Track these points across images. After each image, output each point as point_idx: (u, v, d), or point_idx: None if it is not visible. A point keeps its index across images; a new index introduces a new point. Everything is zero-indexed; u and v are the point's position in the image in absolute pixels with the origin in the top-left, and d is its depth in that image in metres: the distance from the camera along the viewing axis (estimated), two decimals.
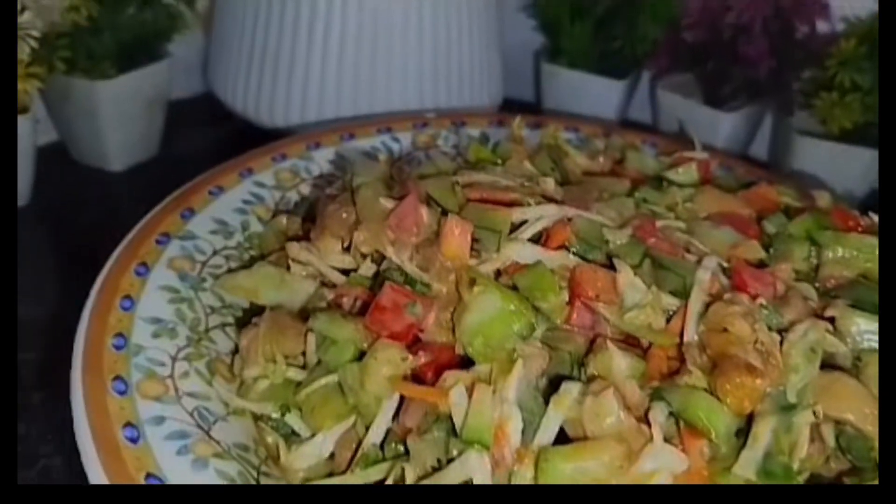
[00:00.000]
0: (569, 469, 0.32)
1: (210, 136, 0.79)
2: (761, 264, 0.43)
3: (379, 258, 0.42)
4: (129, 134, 0.70)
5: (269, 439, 0.39)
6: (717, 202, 0.48)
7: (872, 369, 0.37)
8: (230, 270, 0.47)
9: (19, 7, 0.56)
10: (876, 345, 0.38)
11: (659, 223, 0.45)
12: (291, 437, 0.40)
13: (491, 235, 0.40)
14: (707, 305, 0.38)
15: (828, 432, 0.37)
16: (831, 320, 0.40)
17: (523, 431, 0.34)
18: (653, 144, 0.65)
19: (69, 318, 0.40)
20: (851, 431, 0.36)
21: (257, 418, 0.40)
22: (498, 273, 0.40)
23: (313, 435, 0.39)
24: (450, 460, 0.33)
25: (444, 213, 0.41)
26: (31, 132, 0.61)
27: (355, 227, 0.42)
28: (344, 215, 0.43)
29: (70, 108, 0.67)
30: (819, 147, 0.69)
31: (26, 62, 0.57)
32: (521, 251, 0.40)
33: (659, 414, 0.34)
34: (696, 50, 0.73)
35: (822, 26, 0.71)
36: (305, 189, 0.56)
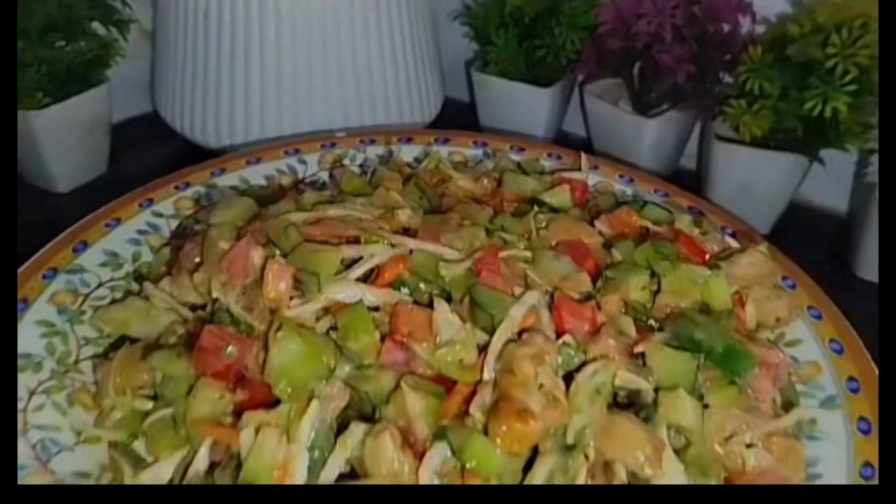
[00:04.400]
0: None
1: (157, 154, 0.82)
2: (589, 297, 0.44)
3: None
4: (72, 157, 0.74)
5: (119, 464, 0.43)
6: (568, 229, 0.50)
7: (663, 409, 0.39)
8: (112, 302, 0.51)
9: None
10: (676, 383, 0.40)
11: (504, 253, 0.47)
12: (139, 462, 0.43)
13: (311, 277, 0.42)
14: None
15: (619, 468, 0.38)
16: (642, 355, 0.41)
17: (312, 469, 0.37)
18: (557, 157, 0.66)
19: None
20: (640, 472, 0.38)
21: (112, 445, 0.44)
22: (326, 312, 0.43)
23: (154, 461, 0.42)
24: None
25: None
26: None
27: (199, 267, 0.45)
28: (194, 255, 0.46)
29: None
30: (736, 152, 0.69)
31: None
32: (343, 290, 0.42)
33: (435, 455, 0.36)
34: (619, 56, 0.73)
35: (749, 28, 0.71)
36: (204, 216, 0.59)
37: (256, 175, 0.62)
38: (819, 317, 0.50)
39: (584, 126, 0.82)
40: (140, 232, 0.56)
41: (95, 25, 0.73)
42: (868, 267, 0.67)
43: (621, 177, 0.63)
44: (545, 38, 0.75)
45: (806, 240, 0.71)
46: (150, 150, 0.83)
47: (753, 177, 0.69)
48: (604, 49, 0.73)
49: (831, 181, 0.72)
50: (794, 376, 0.46)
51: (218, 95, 0.73)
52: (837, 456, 0.41)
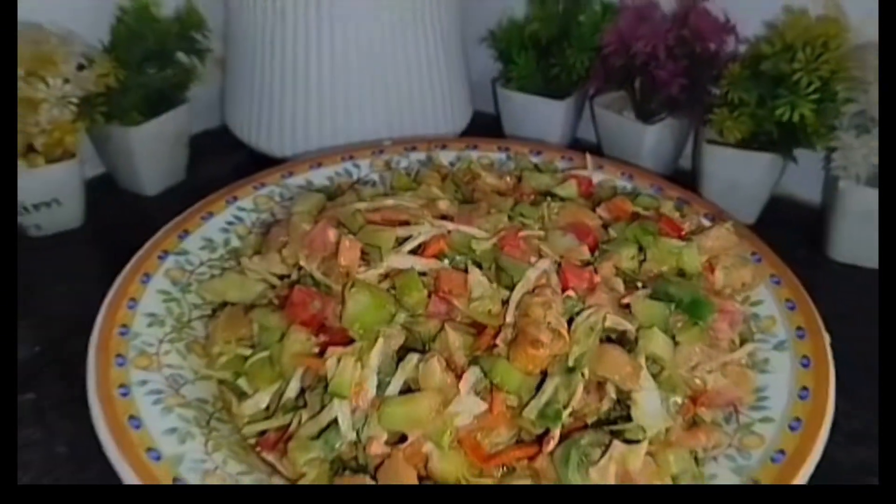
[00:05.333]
0: (400, 412, 0.47)
1: (227, 162, 0.95)
2: (588, 263, 0.57)
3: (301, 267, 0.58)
4: (159, 165, 0.88)
5: (227, 396, 0.56)
6: (574, 214, 0.62)
7: (642, 342, 0.51)
8: (211, 277, 0.64)
9: (62, 79, 0.74)
10: (653, 324, 0.52)
11: (523, 233, 0.60)
12: (242, 395, 0.56)
13: (374, 250, 0.55)
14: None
15: (610, 388, 0.50)
16: (629, 306, 0.54)
17: (380, 387, 0.49)
18: (570, 159, 0.78)
19: None
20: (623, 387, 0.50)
21: (221, 382, 0.57)
22: (386, 276, 0.56)
23: (255, 393, 0.55)
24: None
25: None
26: (80, 171, 0.80)
27: (286, 245, 0.58)
28: (281, 236, 0.60)
29: (111, 148, 0.86)
30: (722, 153, 0.81)
31: (71, 120, 0.75)
32: (399, 260, 0.55)
33: (470, 375, 0.49)
34: (622, 73, 0.85)
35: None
36: (277, 210, 0.72)
37: (319, 177, 0.76)
38: (778, 282, 0.62)
39: (595, 133, 0.94)
40: (228, 223, 0.69)
41: (179, 55, 0.87)
42: (837, 249, 0.78)
43: (622, 174, 0.76)
44: (559, 58, 0.87)
45: (786, 227, 0.82)
46: (221, 159, 0.96)
47: (738, 174, 0.81)
48: (608, 67, 0.85)
49: (806, 176, 0.83)
50: (754, 327, 0.58)
51: (282, 111, 0.86)
52: (781, 383, 0.53)
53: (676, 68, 0.81)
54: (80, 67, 0.76)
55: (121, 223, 0.85)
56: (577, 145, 0.97)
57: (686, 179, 0.85)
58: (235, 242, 0.68)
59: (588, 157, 0.74)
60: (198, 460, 0.48)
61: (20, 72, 0.71)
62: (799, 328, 0.57)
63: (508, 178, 0.71)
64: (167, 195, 0.90)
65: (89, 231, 0.84)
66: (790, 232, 0.81)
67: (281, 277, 0.59)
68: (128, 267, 0.62)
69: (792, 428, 0.49)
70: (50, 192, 0.78)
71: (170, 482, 0.46)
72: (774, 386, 0.53)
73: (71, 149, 0.77)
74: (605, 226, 0.62)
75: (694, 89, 0.83)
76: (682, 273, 0.58)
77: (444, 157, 0.79)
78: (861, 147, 0.72)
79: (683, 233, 0.61)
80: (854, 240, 0.76)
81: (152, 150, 0.86)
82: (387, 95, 0.86)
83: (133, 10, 0.82)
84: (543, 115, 0.92)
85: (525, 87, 0.92)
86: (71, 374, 0.64)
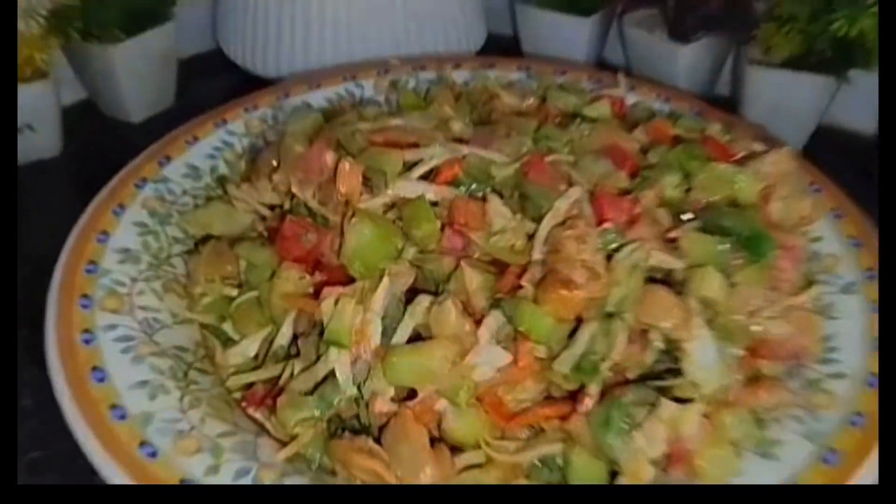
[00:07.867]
0: (406, 363, 0.40)
1: (219, 86, 0.87)
2: (627, 192, 0.49)
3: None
4: (144, 89, 0.80)
5: (210, 343, 0.49)
6: (608, 136, 0.54)
7: (693, 283, 0.43)
8: (195, 207, 0.57)
9: None
10: (706, 262, 0.44)
11: (550, 157, 0.52)
12: (227, 341, 0.49)
13: (378, 175, 0.47)
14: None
15: (655, 337, 0.43)
16: (675, 241, 0.46)
17: (385, 334, 0.42)
18: (597, 80, 0.70)
19: None
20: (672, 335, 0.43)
21: (203, 327, 0.50)
22: (392, 206, 0.48)
23: (241, 339, 0.48)
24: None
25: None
26: (53, 93, 0.72)
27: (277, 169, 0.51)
28: (272, 160, 0.52)
29: (91, 70, 0.78)
30: (768, 74, 0.72)
31: (40, 35, 0.67)
32: (407, 187, 0.48)
33: (491, 320, 0.41)
34: None
35: None
36: (270, 134, 0.64)
37: (318, 98, 0.68)
38: (840, 216, 0.54)
39: (623, 55, 0.86)
40: (216, 148, 0.62)
41: None
42: None
43: (658, 96, 0.67)
44: None
45: (837, 158, 0.74)
46: (212, 83, 0.88)
47: (785, 98, 0.73)
48: None
49: (861, 103, 0.75)
50: (814, 267, 0.50)
51: (279, 28, 0.78)
52: (852, 332, 0.46)
53: None
54: None
55: (102, 152, 0.78)
56: (602, 67, 0.88)
57: (725, 107, 0.77)
58: (223, 169, 0.60)
59: (620, 75, 0.65)
60: (170, 420, 0.41)
61: None
62: (869, 269, 0.50)
63: (531, 99, 0.63)
64: (153, 122, 0.83)
65: (66, 160, 0.77)
66: (841, 164, 0.73)
67: (272, 208, 0.52)
68: (98, 197, 0.55)
69: (870, 385, 0.42)
70: (21, 115, 0.70)
71: (135, 445, 0.39)
72: (844, 335, 0.46)
73: (43, 68, 0.70)
74: (644, 150, 0.54)
75: (735, 5, 0.74)
76: (733, 203, 0.50)
77: (458, 77, 0.71)
78: None
79: (734, 158, 0.53)
80: None
81: (136, 72, 0.78)
82: (393, 12, 0.78)
83: None
84: (567, 35, 0.83)
85: (546, 2, 0.83)
86: (39, 318, 0.58)
